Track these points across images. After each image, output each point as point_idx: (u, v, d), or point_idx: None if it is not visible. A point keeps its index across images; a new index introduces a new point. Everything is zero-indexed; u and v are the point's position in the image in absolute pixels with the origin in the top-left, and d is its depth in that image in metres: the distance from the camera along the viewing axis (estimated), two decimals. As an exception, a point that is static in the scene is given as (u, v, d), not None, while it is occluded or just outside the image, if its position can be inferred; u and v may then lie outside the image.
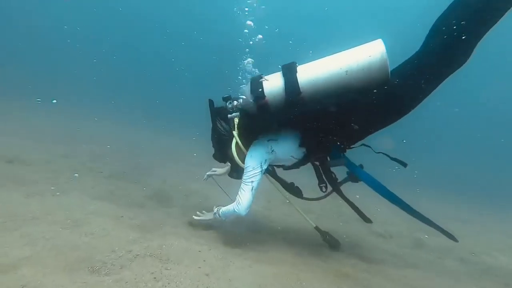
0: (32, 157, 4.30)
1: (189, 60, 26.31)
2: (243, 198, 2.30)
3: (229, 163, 2.83)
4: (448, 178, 11.80)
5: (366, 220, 2.49)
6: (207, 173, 3.12)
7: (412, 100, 2.17)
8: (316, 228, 2.77)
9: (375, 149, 2.39)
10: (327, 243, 2.73)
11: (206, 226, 2.77)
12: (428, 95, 2.14)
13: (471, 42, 1.96)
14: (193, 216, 2.76)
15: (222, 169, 3.11)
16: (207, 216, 2.72)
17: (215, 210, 2.60)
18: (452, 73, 2.07)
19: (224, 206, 2.51)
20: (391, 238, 3.53)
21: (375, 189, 2.26)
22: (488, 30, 1.93)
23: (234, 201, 2.40)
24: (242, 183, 2.36)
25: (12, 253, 1.74)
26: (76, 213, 2.50)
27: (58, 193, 3.01)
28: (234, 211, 2.35)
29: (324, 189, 2.48)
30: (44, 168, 3.95)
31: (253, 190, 2.30)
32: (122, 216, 2.65)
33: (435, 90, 2.12)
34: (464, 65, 2.02)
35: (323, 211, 4.14)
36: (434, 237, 3.70)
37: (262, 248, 2.44)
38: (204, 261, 1.96)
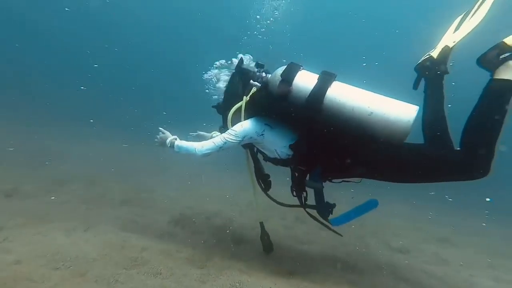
0: (27, 187, 4.00)
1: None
2: (209, 146, 2.39)
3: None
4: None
5: (336, 232, 2.46)
6: (191, 133, 3.12)
7: (411, 177, 2.15)
8: (261, 224, 2.86)
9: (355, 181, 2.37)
10: (262, 243, 2.84)
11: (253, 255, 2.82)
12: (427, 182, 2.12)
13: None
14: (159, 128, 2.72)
15: (207, 134, 3.18)
16: (161, 140, 2.67)
17: (169, 141, 2.60)
18: (462, 180, 1.99)
19: (184, 142, 2.55)
20: (409, 253, 3.78)
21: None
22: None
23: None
24: (219, 136, 2.42)
25: (103, 303, 1.70)
26: (128, 251, 2.43)
27: (89, 228, 2.88)
28: (195, 150, 2.43)
29: (294, 193, 2.53)
30: (51, 199, 3.71)
31: (220, 149, 2.39)
32: (171, 250, 2.63)
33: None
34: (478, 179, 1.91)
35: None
36: (442, 249, 4.05)
37: (316, 277, 2.52)
38: (282, 298, 2.05)
